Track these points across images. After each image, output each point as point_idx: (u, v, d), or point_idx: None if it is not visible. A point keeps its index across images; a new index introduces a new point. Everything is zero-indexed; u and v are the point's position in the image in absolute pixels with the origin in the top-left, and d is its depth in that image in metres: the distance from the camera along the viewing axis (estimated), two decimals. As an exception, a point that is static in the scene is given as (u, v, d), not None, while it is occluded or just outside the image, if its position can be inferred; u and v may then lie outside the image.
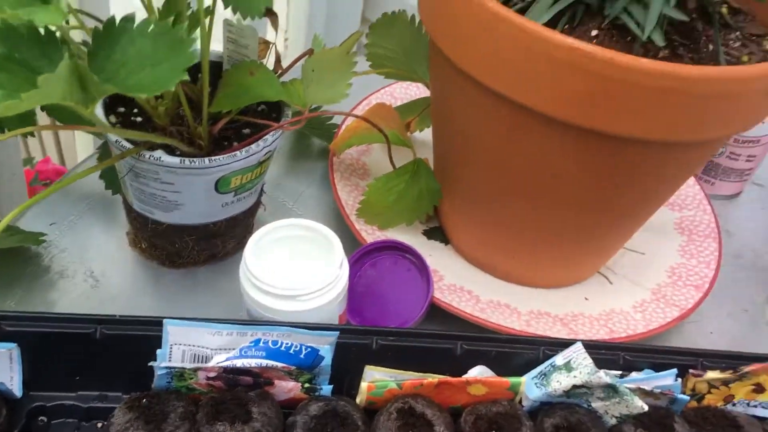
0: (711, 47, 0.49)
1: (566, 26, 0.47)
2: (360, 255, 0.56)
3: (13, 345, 0.43)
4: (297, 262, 0.49)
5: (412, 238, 0.61)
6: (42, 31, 0.34)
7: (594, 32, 0.47)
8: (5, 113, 0.30)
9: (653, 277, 0.62)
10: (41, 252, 0.56)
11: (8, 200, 0.78)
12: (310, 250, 0.49)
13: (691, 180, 0.72)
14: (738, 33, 0.52)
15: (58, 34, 0.35)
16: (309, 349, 0.44)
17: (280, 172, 0.69)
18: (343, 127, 0.67)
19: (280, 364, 0.44)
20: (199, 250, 0.56)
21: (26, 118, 0.55)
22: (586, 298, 0.60)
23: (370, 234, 0.59)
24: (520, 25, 0.43)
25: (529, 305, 0.58)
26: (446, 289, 0.57)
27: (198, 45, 0.43)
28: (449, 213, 0.61)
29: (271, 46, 0.56)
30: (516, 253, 0.57)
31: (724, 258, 0.70)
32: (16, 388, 0.44)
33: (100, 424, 0.46)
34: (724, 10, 0.53)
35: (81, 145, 1.11)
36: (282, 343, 0.44)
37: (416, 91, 0.75)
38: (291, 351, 0.44)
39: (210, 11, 0.48)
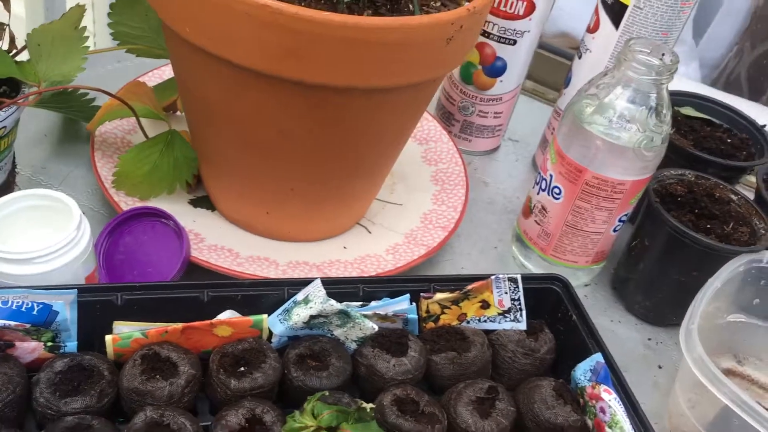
0: (411, 8, 0.55)
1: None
2: (116, 224, 0.58)
3: None
4: (37, 229, 0.50)
5: (179, 207, 0.64)
6: None
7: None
8: None
9: (407, 224, 0.69)
10: None
11: None
12: (50, 216, 0.51)
13: (446, 138, 0.80)
14: (442, -3, 0.59)
15: None
16: (41, 306, 0.46)
17: (47, 156, 0.69)
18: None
19: (12, 323, 0.45)
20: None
21: None
22: (345, 247, 0.66)
23: (131, 206, 0.61)
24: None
25: (288, 257, 0.62)
26: (206, 249, 0.60)
27: None
28: (210, 179, 0.64)
29: (5, 27, 0.56)
30: (269, 209, 0.61)
31: (479, 204, 0.78)
32: None
33: None
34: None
35: None
36: (12, 302, 0.45)
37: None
38: (23, 309, 0.45)
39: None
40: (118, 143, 0.68)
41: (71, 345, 0.48)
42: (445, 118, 0.84)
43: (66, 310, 0.46)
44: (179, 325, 0.49)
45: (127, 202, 0.62)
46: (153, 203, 0.63)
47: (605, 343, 0.54)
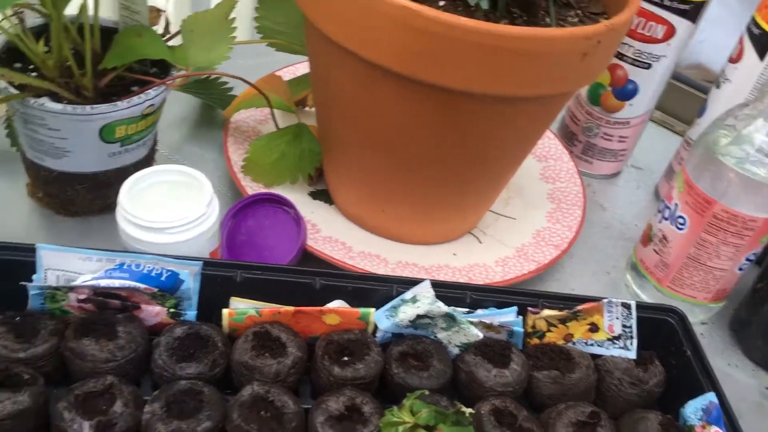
0: (548, 20, 0.55)
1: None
2: (241, 206, 0.61)
3: None
4: (170, 201, 0.53)
5: (299, 197, 0.66)
6: None
7: (441, 3, 0.53)
8: None
9: (519, 238, 0.68)
10: (-58, 199, 0.60)
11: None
12: (185, 191, 0.54)
13: (567, 157, 0.79)
14: (579, 11, 0.58)
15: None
16: (169, 273, 0.49)
17: (183, 138, 0.73)
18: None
19: (142, 285, 0.48)
20: (92, 198, 0.60)
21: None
22: (455, 254, 0.66)
23: (257, 191, 0.64)
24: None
25: (398, 257, 0.63)
26: (321, 240, 0.62)
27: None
28: (331, 174, 0.66)
29: (161, 13, 0.61)
30: (385, 208, 0.63)
31: (595, 228, 0.76)
32: None
33: (-22, 345, 0.50)
34: (569, -9, 0.59)
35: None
36: (144, 266, 0.48)
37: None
38: (152, 274, 0.48)
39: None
40: (249, 131, 0.71)
41: (191, 314, 0.51)
42: (567, 137, 0.83)
43: (190, 280, 0.49)
44: (291, 308, 0.51)
45: (252, 187, 0.64)
46: (276, 191, 0.65)
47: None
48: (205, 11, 0.56)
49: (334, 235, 0.63)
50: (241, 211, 0.61)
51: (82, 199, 0.60)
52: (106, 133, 0.55)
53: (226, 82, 0.71)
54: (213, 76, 0.66)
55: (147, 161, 0.62)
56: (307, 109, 0.75)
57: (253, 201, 0.61)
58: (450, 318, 0.52)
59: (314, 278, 0.53)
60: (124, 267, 0.48)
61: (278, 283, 0.53)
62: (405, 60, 0.50)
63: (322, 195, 0.68)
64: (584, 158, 0.82)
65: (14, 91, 0.52)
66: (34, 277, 0.48)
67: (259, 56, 0.77)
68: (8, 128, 0.65)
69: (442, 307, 0.51)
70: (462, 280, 0.62)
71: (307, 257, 0.61)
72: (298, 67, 0.80)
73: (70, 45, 0.53)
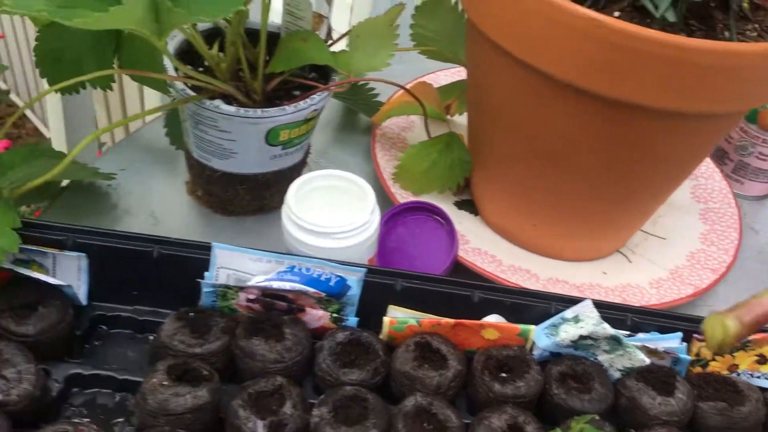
0: (726, 34, 0.52)
1: (590, 8, 0.52)
2: (392, 214, 0.61)
3: (82, 254, 0.49)
4: (333, 206, 0.54)
5: (444, 207, 0.66)
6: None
7: (616, 13, 0.51)
8: (86, 26, 0.36)
9: (672, 259, 0.65)
10: (111, 192, 0.63)
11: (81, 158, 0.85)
12: (346, 197, 0.54)
13: (719, 176, 0.75)
14: (756, 25, 0.55)
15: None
16: (338, 278, 0.49)
17: (328, 142, 0.74)
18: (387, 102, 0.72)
19: (311, 289, 0.49)
20: (249, 199, 0.62)
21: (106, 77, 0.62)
22: (604, 272, 0.64)
23: (405, 199, 0.64)
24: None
25: (548, 273, 0.62)
26: (471, 251, 0.61)
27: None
28: (479, 184, 0.66)
29: (324, 19, 0.61)
30: (536, 222, 0.61)
31: (748, 252, 0.72)
32: (82, 295, 0.50)
33: (151, 337, 0.52)
34: (746, 4, 0.56)
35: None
36: (314, 270, 0.49)
37: (459, 78, 0.80)
38: (322, 278, 0.49)
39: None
40: (395, 138, 0.71)
41: (353, 320, 0.51)
42: (718, 155, 0.79)
43: (356, 286, 0.49)
44: (451, 321, 0.50)
45: (402, 195, 0.64)
46: (422, 199, 0.65)
47: None
48: (374, 18, 0.56)
49: (483, 246, 0.63)
50: (393, 218, 0.61)
51: (241, 199, 0.62)
52: (271, 137, 0.56)
53: (373, 88, 0.72)
54: (360, 82, 0.67)
55: (302, 165, 0.63)
56: (449, 117, 0.74)
57: (404, 209, 0.61)
58: (615, 341, 0.50)
59: (473, 291, 0.53)
60: (295, 270, 0.49)
61: (436, 293, 0.53)
62: (584, 73, 0.48)
63: (467, 205, 0.67)
64: (735, 178, 0.78)
65: (191, 93, 0.54)
66: (206, 274, 0.50)
67: (400, 63, 0.77)
68: (167, 126, 0.67)
69: (607, 329, 0.50)
70: (615, 300, 0.60)
71: (456, 268, 0.60)
72: (439, 74, 0.80)
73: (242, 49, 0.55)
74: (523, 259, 0.62)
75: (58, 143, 1.13)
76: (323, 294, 0.49)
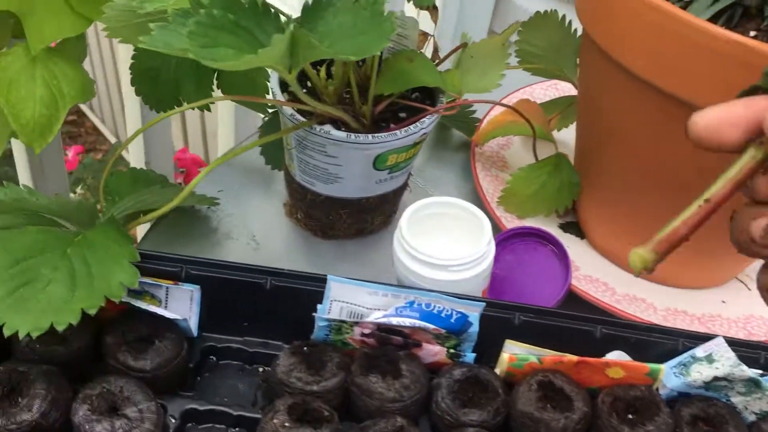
0: None
1: (723, 27, 0.48)
2: (500, 240, 0.58)
3: (197, 286, 0.48)
4: (448, 235, 0.52)
5: (548, 229, 0.63)
6: (259, 4, 0.38)
7: (752, 33, 0.48)
8: (233, 68, 0.35)
9: (795, 287, 0.61)
10: (210, 215, 0.62)
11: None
12: (460, 226, 0.52)
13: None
14: None
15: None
16: (459, 315, 0.47)
17: (424, 159, 0.72)
18: (486, 120, 0.70)
19: (431, 326, 0.47)
20: (350, 223, 0.60)
21: (204, 92, 0.62)
22: (723, 301, 0.60)
23: (510, 222, 0.62)
24: (683, 19, 0.44)
25: (665, 302, 0.59)
26: (582, 279, 0.59)
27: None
28: (587, 206, 0.63)
29: (429, 37, 0.59)
30: (656, 249, 0.58)
31: None
32: (193, 327, 0.49)
33: (261, 369, 0.51)
34: None
35: (222, 134, 1.20)
36: (434, 306, 0.47)
37: (555, 92, 0.77)
38: (442, 314, 0.47)
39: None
40: (494, 157, 0.69)
41: (470, 356, 0.49)
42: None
43: (477, 321, 0.47)
44: (574, 358, 0.48)
45: (506, 218, 0.62)
46: (525, 222, 0.63)
47: None
48: (490, 39, 0.54)
49: (594, 273, 0.60)
50: (500, 245, 0.59)
51: (342, 223, 0.60)
52: (379, 161, 0.55)
53: (469, 105, 0.69)
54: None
55: (404, 188, 0.62)
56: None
57: (512, 234, 0.59)
58: (752, 383, 0.47)
59: (595, 326, 0.50)
60: (414, 306, 0.47)
61: (556, 328, 0.50)
62: (718, 97, 0.45)
63: (573, 228, 0.64)
64: None
65: (301, 118, 0.52)
66: (319, 306, 0.48)
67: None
68: (262, 145, 0.66)
69: (745, 371, 0.47)
70: (739, 333, 0.57)
71: (565, 298, 0.58)
72: (534, 88, 0.77)
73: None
74: (637, 288, 0.59)
75: (136, 154, 1.14)
76: (443, 330, 0.47)
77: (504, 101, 0.72)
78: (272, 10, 0.39)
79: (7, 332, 0.40)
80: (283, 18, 0.40)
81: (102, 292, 0.43)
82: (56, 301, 0.42)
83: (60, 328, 0.41)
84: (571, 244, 0.63)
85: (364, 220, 0.61)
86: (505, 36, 0.54)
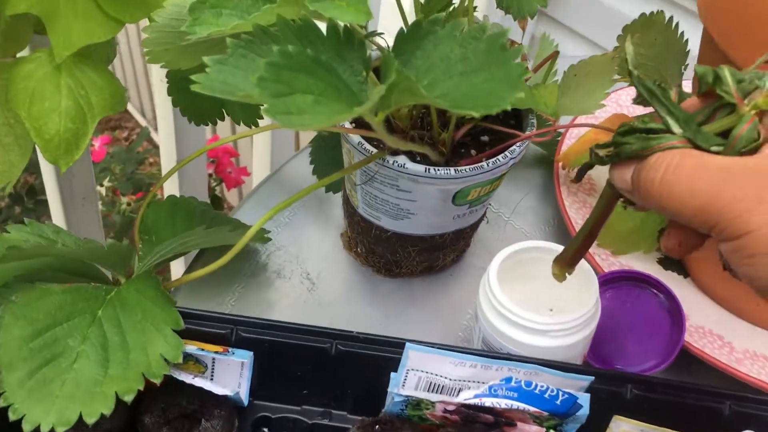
0: None
1: None
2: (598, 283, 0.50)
3: (249, 353, 0.41)
4: (544, 291, 0.43)
5: (645, 267, 0.55)
6: (341, 31, 0.30)
7: None
8: (317, 128, 0.27)
9: None
10: (258, 248, 0.55)
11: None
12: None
13: None
14: None
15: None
16: (566, 396, 0.39)
17: (494, 180, 0.64)
18: (568, 137, 0.61)
19: (532, 408, 0.39)
20: (419, 261, 0.53)
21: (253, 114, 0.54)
22: None
23: (604, 260, 0.53)
24: None
25: (791, 359, 0.50)
26: (693, 331, 0.50)
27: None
28: (695, 243, 0.54)
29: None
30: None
31: None
32: (243, 395, 0.42)
33: (322, 444, 0.43)
34: None
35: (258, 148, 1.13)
36: (537, 385, 0.39)
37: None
38: (546, 395, 0.39)
39: (469, 11, 0.44)
40: (582, 181, 0.60)
41: (573, 437, 0.41)
42: None
43: (588, 403, 0.39)
44: (698, 443, 0.40)
45: (599, 255, 0.54)
46: (621, 260, 0.54)
47: None
48: (599, 56, 0.46)
49: (704, 323, 0.51)
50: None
51: (410, 261, 0.52)
52: (459, 197, 0.46)
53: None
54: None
55: (481, 220, 0.53)
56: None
57: (611, 278, 0.50)
58: None
59: (723, 401, 0.42)
60: (512, 383, 0.39)
61: (674, 404, 0.42)
62: None
63: (674, 264, 0.56)
64: None
65: (371, 148, 0.44)
66: (393, 375, 0.41)
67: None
68: (314, 163, 0.58)
69: None
70: None
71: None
72: (620, 94, 0.68)
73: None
74: (758, 341, 0.51)
75: (167, 152, 1.07)
76: (546, 413, 0.39)
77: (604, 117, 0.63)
78: (356, 38, 0.31)
79: (27, 427, 0.33)
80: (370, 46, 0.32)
81: (139, 369, 0.36)
82: (85, 383, 0.35)
83: (90, 420, 0.34)
84: (672, 284, 0.54)
85: (434, 258, 0.53)
86: (615, 52, 0.45)
